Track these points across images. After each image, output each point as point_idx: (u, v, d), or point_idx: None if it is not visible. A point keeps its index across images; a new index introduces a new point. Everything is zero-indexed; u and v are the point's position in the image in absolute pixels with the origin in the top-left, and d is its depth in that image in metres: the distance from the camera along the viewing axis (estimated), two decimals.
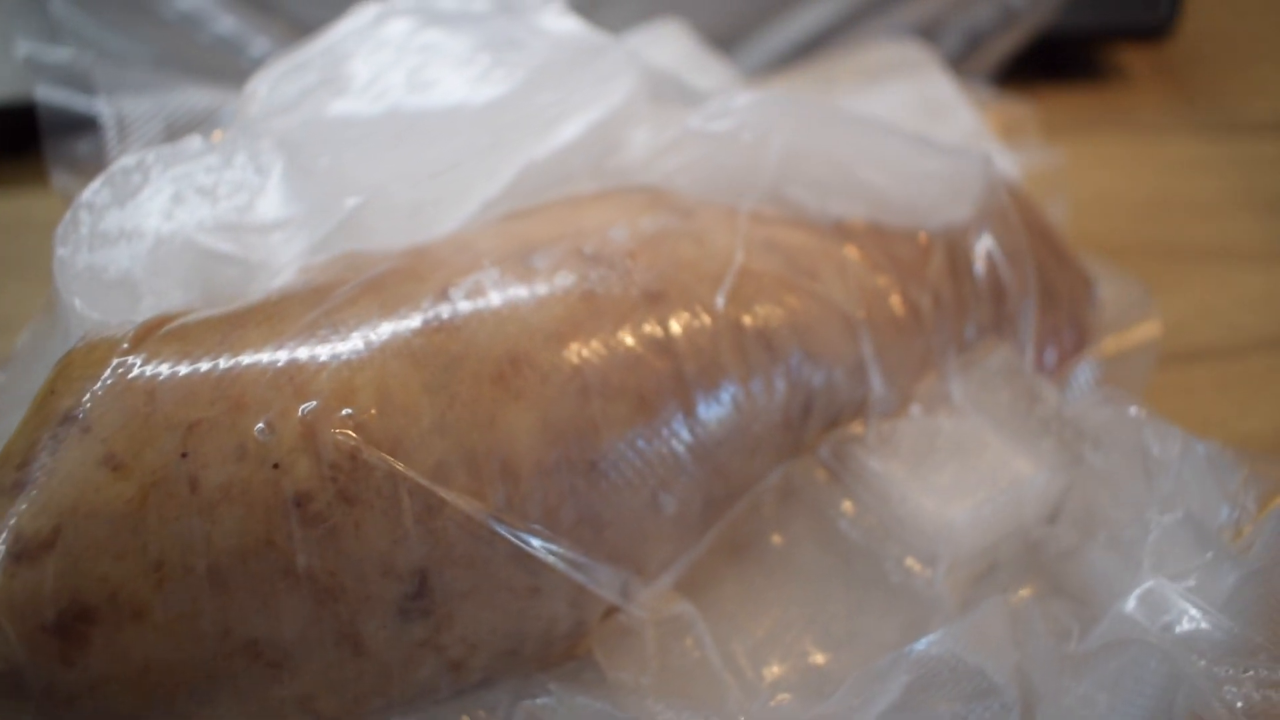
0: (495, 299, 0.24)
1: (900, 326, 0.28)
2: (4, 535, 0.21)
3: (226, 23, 0.44)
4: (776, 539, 0.27)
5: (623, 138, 0.29)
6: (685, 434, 0.25)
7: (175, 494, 0.22)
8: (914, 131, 0.30)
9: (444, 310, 0.24)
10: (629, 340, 0.25)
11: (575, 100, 0.29)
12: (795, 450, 0.27)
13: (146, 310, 0.27)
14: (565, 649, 0.26)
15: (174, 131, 0.39)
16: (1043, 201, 0.41)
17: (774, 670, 0.25)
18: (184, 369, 0.23)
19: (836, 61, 0.45)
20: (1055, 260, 0.35)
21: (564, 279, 0.25)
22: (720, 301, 0.25)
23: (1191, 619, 0.26)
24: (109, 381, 0.23)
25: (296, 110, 0.31)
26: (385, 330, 0.24)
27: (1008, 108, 0.45)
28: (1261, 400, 0.42)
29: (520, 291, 0.25)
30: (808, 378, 0.26)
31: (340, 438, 0.22)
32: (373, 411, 0.23)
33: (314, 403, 0.23)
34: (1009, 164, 0.41)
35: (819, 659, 0.26)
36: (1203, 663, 0.25)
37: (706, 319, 0.25)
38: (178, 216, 0.28)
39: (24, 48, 0.41)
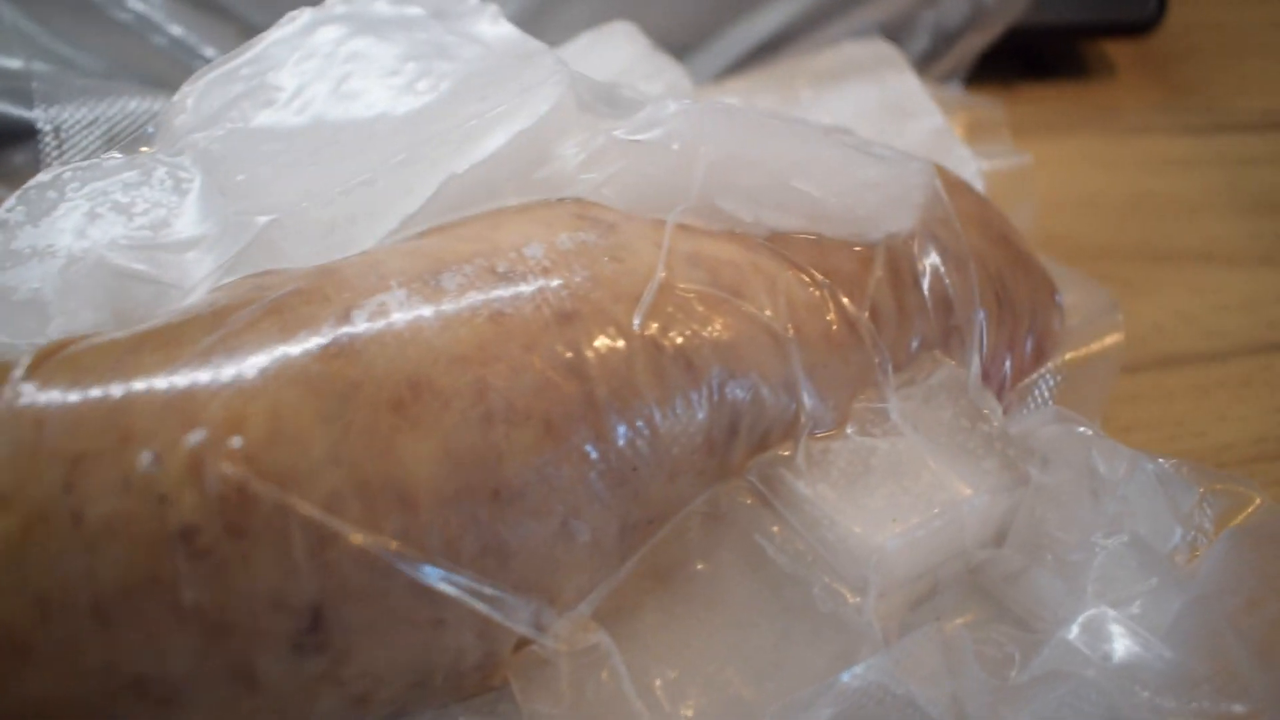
0: (399, 322, 0.24)
1: (835, 342, 0.27)
2: None
3: (175, 30, 0.43)
4: (700, 566, 0.26)
5: (550, 149, 0.28)
6: (597, 460, 0.24)
7: (58, 528, 0.21)
8: (856, 139, 0.29)
9: (344, 334, 0.23)
10: (537, 363, 0.24)
11: (499, 111, 0.28)
12: (722, 473, 0.26)
13: (56, 332, 0.26)
14: (479, 680, 0.25)
15: (115, 141, 0.38)
16: (1009, 204, 0.40)
17: (693, 703, 0.24)
18: (75, 397, 0.23)
19: (800, 62, 0.43)
20: (1015, 267, 0.34)
21: (472, 300, 0.24)
22: (637, 321, 0.25)
23: (1133, 648, 0.24)
24: None
25: (221, 123, 0.30)
26: (282, 355, 0.23)
27: (976, 108, 0.44)
28: (1240, 408, 0.40)
29: (425, 313, 0.24)
30: (732, 398, 0.25)
31: (228, 469, 0.22)
32: (264, 441, 0.22)
33: (202, 433, 0.22)
34: (973, 167, 0.40)
35: (742, 691, 0.25)
36: (1145, 694, 0.24)
37: (621, 339, 0.24)
38: (91, 235, 0.28)
39: None
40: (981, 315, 0.32)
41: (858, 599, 0.25)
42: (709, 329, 0.25)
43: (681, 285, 0.25)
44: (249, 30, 0.44)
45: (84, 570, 0.21)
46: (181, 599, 0.21)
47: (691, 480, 0.25)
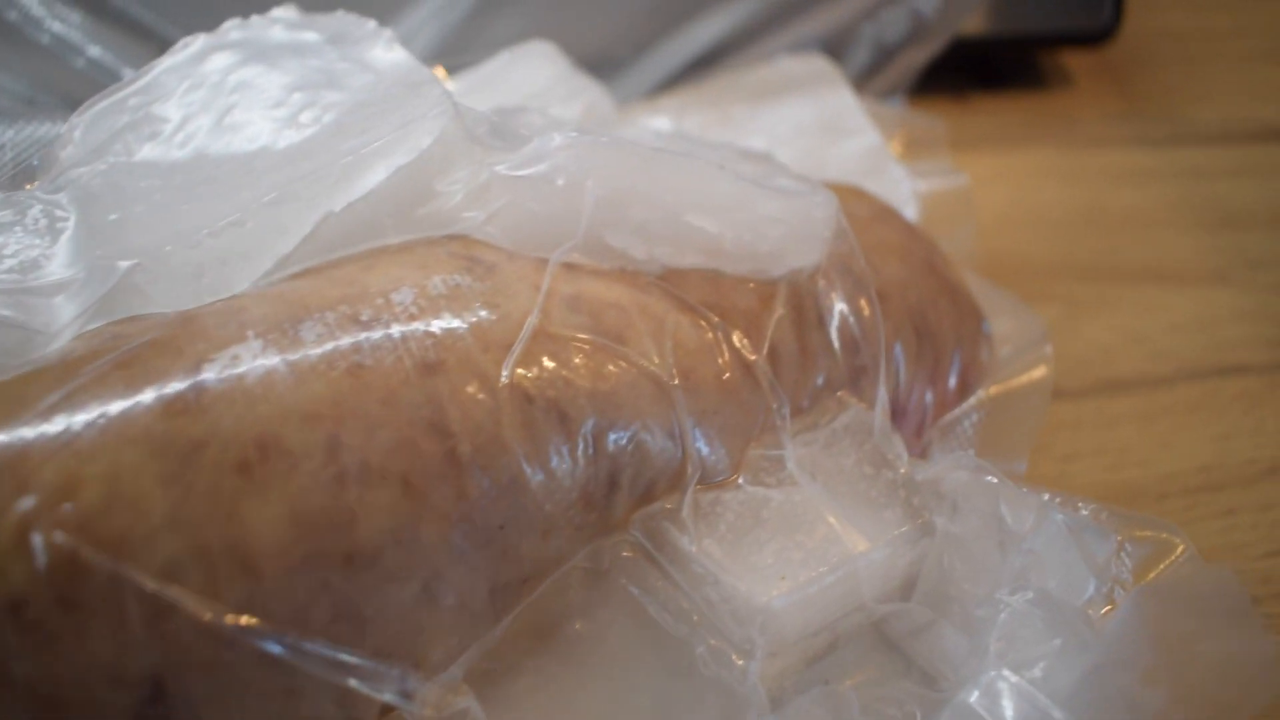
0: (251, 376, 0.22)
1: (727, 387, 0.26)
2: None
3: (94, 51, 0.42)
4: (580, 625, 0.24)
5: (433, 185, 0.27)
6: (460, 520, 0.23)
7: None
8: (760, 168, 0.28)
9: (192, 390, 0.22)
10: (395, 419, 0.22)
11: (376, 146, 0.26)
12: (603, 527, 0.25)
13: None
14: None
15: (22, 170, 0.37)
16: (945, 226, 0.39)
17: None
18: None
19: (734, 78, 0.42)
20: (939, 297, 0.33)
21: (330, 351, 0.23)
22: (505, 372, 0.23)
23: (1031, 716, 0.23)
24: None
25: (105, 156, 0.29)
26: (126, 413, 0.22)
27: (916, 125, 0.42)
28: (1185, 436, 0.39)
29: (280, 367, 0.23)
30: (611, 450, 0.24)
31: (59, 538, 0.20)
32: (98, 507, 0.21)
33: (33, 499, 0.21)
34: (907, 188, 0.39)
35: None
36: None
37: (486, 392, 0.23)
38: None
39: None
40: (898, 350, 0.30)
41: (743, 662, 0.24)
42: (586, 378, 0.24)
43: (559, 331, 0.24)
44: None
45: None
46: (11, 673, 0.20)
47: (569, 536, 0.24)
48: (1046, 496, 0.29)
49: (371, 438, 0.22)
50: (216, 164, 0.28)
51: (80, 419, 0.22)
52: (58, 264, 0.27)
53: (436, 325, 0.24)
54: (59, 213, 0.28)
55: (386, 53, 0.30)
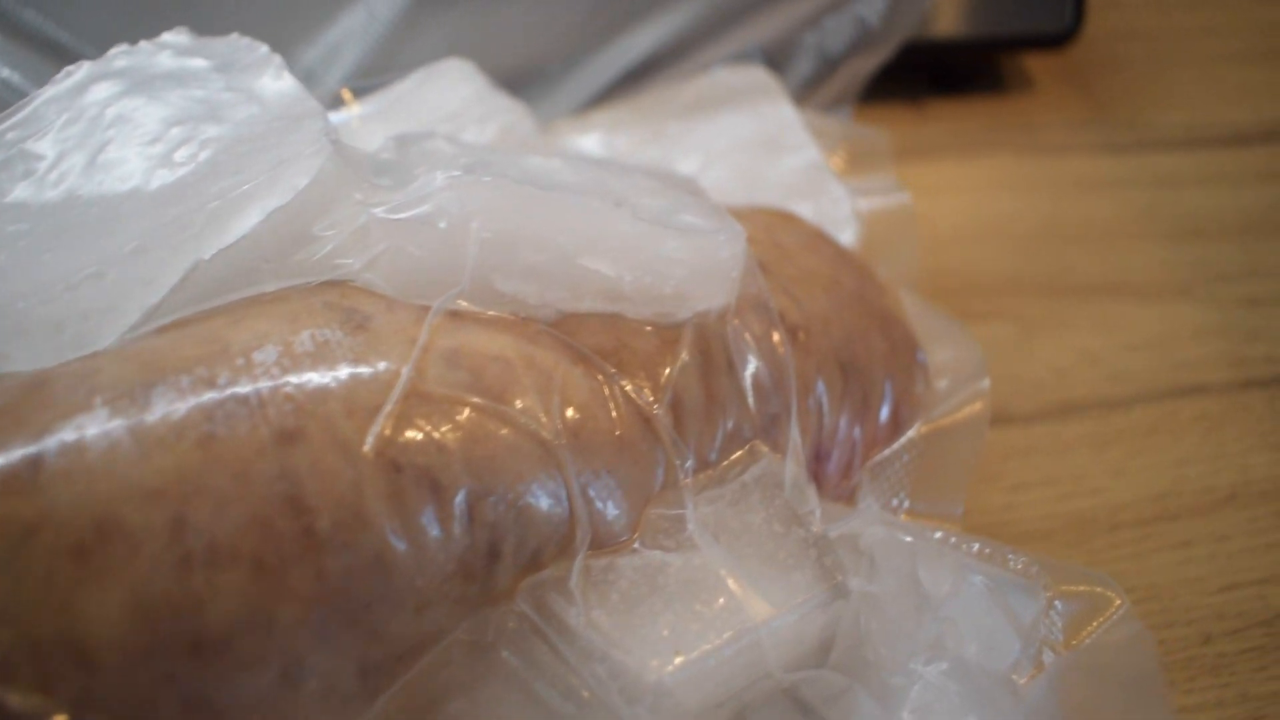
0: (94, 450, 0.21)
1: (622, 443, 0.24)
2: None
3: (4, 73, 0.40)
4: (460, 703, 0.23)
5: (311, 228, 0.25)
6: (319, 601, 0.21)
7: None
8: (661, 205, 0.26)
9: (29, 467, 0.21)
10: (248, 495, 0.21)
11: (247, 189, 0.25)
12: (486, 598, 0.23)
13: None
14: None
15: None
16: (886, 246, 0.37)
17: None
18: None
19: (670, 91, 0.40)
20: (870, 328, 0.31)
21: (181, 420, 0.21)
22: (370, 439, 0.22)
23: None
24: None
25: None
26: None
27: (860, 139, 0.40)
28: (1141, 462, 0.37)
29: (125, 439, 0.21)
30: (491, 519, 0.22)
31: None
32: None
33: None
34: (847, 207, 0.37)
35: None
36: None
37: (350, 462, 0.21)
38: None
39: None
40: (820, 388, 0.29)
41: None
42: (462, 442, 0.22)
43: (434, 390, 0.23)
44: None
45: None
46: None
47: (447, 610, 0.23)
48: (977, 547, 0.27)
49: (221, 516, 0.21)
50: (86, 207, 0.26)
51: None
52: None
53: (299, 388, 0.22)
54: None
55: (274, 82, 0.28)
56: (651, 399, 0.25)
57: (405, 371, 0.23)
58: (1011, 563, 0.26)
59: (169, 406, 0.22)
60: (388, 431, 0.22)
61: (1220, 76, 0.52)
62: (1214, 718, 0.29)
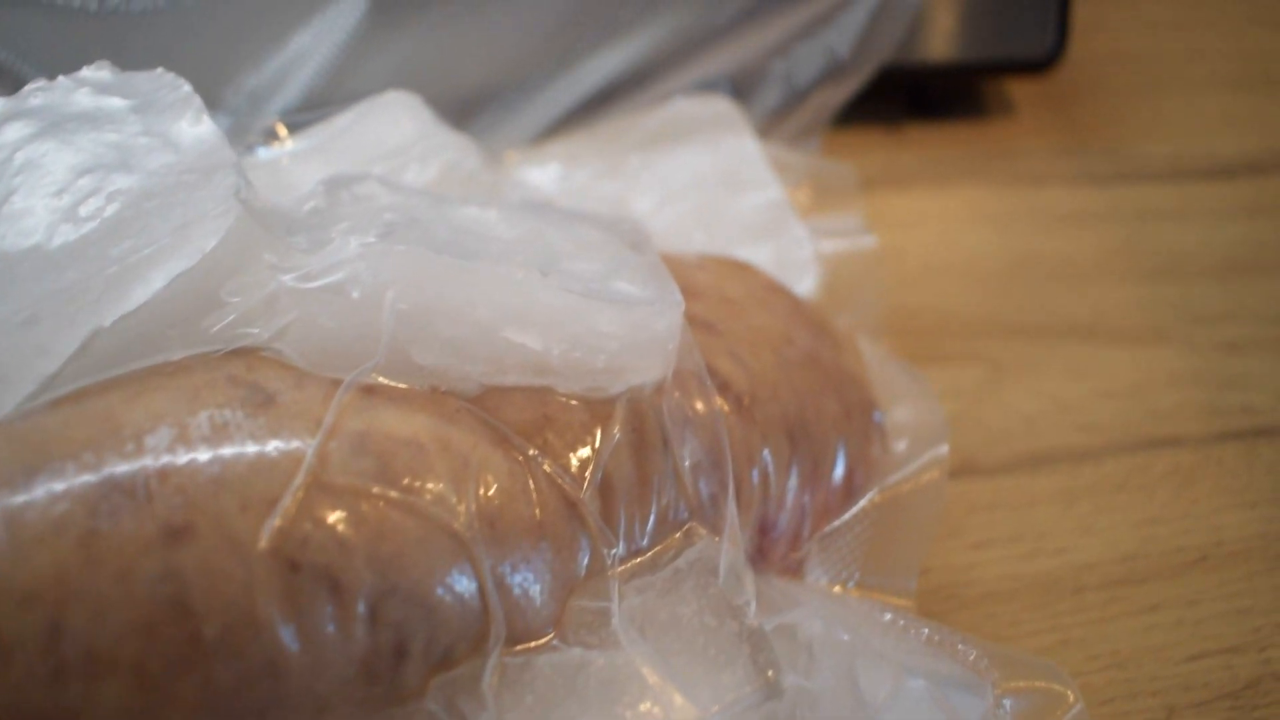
0: None
1: (544, 531, 0.23)
2: None
3: None
4: None
5: (219, 293, 0.24)
6: (206, 711, 0.20)
7: None
8: (594, 269, 0.25)
9: None
10: (130, 598, 0.19)
11: (153, 251, 0.23)
12: (393, 699, 0.22)
13: None
14: None
15: None
16: (849, 293, 0.36)
17: None
18: None
19: (630, 121, 0.39)
20: (824, 390, 0.30)
21: (63, 515, 0.20)
22: (266, 536, 0.20)
23: None
24: None
25: None
26: None
27: (827, 175, 0.39)
28: (1109, 519, 0.36)
29: (2, 535, 0.20)
30: (396, 618, 0.21)
31: None
32: None
33: None
34: (809, 250, 0.36)
35: None
36: None
37: (242, 561, 0.20)
38: None
39: None
40: (766, 458, 0.27)
41: None
42: (366, 537, 0.21)
43: (338, 480, 0.21)
44: None
45: None
46: None
47: (349, 713, 0.21)
48: (926, 632, 0.26)
49: (100, 621, 0.19)
50: None
51: None
52: None
53: (191, 478, 0.21)
54: None
55: (192, 127, 0.27)
56: (578, 481, 0.23)
57: (306, 460, 0.21)
58: (961, 652, 0.25)
59: (51, 498, 0.20)
60: (284, 527, 0.21)
61: (1206, 104, 0.50)
62: None
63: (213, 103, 0.39)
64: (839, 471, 0.29)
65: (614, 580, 0.23)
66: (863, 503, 0.29)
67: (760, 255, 0.35)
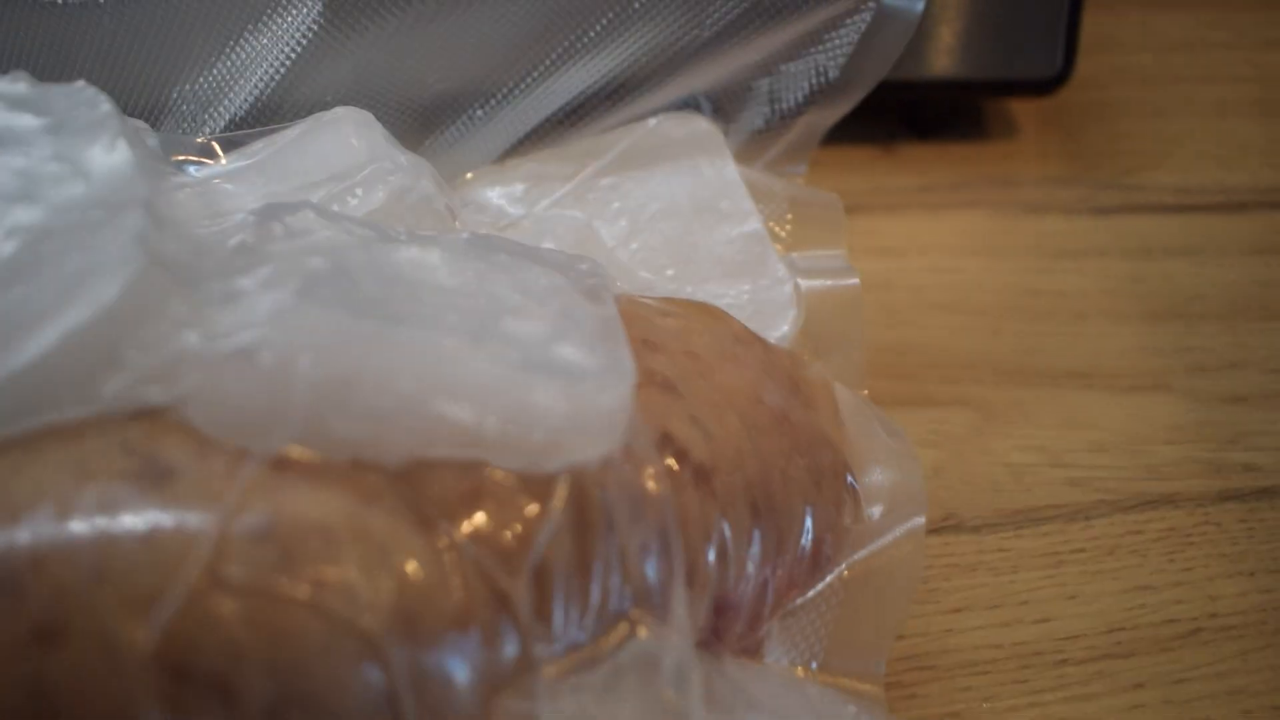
0: None
1: (467, 625, 0.21)
2: None
3: None
4: None
5: (120, 350, 0.21)
6: None
7: None
8: (538, 330, 0.23)
9: None
10: None
11: (53, 299, 0.21)
12: None
13: None
14: None
15: None
16: (831, 333, 0.34)
17: None
18: None
19: (603, 141, 0.36)
20: (795, 454, 0.27)
21: None
22: (148, 638, 0.18)
23: None
24: None
25: None
26: None
27: (812, 203, 0.36)
28: (1097, 586, 0.34)
29: None
30: None
31: None
32: None
33: None
34: (788, 289, 0.33)
35: None
36: None
37: (120, 669, 0.18)
38: None
39: None
40: (726, 532, 0.25)
41: None
42: (263, 640, 0.19)
43: (234, 575, 0.19)
44: None
45: None
46: None
47: None
48: None
49: None
50: None
51: None
52: None
53: (69, 569, 0.18)
54: None
55: (106, 154, 0.24)
56: (510, 568, 0.21)
57: (200, 551, 0.19)
58: None
59: None
60: (171, 628, 0.18)
61: (1217, 132, 0.48)
62: None
63: (158, 107, 0.37)
64: (806, 542, 0.27)
65: (546, 679, 0.21)
66: (830, 578, 0.27)
67: (736, 295, 0.33)
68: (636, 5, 0.35)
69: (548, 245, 0.34)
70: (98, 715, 0.18)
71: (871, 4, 0.36)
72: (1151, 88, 0.50)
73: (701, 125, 0.36)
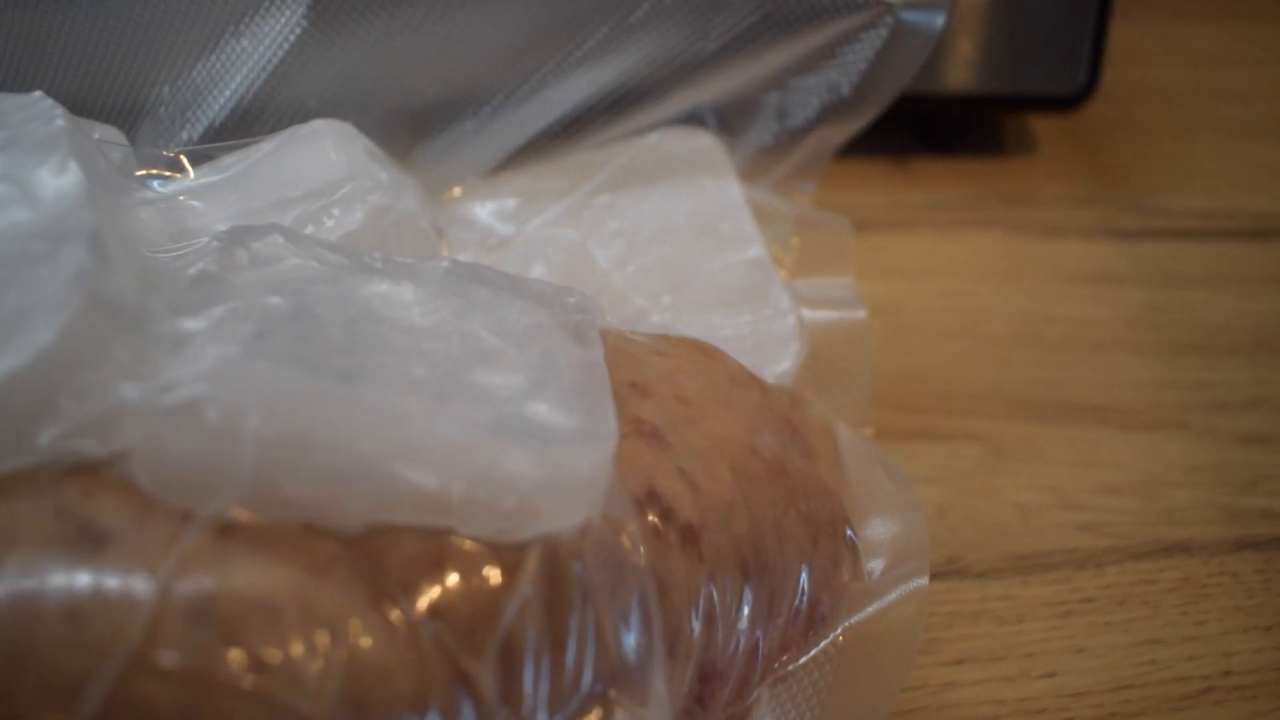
0: None
1: (425, 710, 0.19)
2: None
3: None
4: None
5: (57, 399, 0.20)
6: None
7: None
8: (509, 388, 0.21)
9: None
10: None
11: None
12: None
13: None
14: None
15: None
16: (836, 369, 0.32)
17: None
18: None
19: (601, 155, 0.35)
20: (790, 508, 0.26)
21: None
22: None
23: None
24: None
25: None
26: None
27: (820, 228, 0.35)
28: (1106, 640, 0.32)
29: None
30: None
31: None
32: None
33: None
34: (791, 321, 0.31)
35: None
36: None
37: None
38: None
39: None
40: (713, 594, 0.24)
41: None
42: None
43: (166, 659, 0.17)
44: None
45: None
46: None
47: None
48: None
49: None
50: None
51: None
52: None
53: None
54: None
55: (55, 176, 0.23)
56: (474, 647, 0.20)
57: (133, 631, 0.17)
58: None
59: None
60: (99, 714, 0.17)
61: (1243, 153, 0.46)
62: None
63: (136, 109, 0.35)
64: (801, 601, 0.26)
65: None
66: (824, 643, 0.25)
67: (736, 326, 0.31)
68: (639, 14, 0.33)
69: (538, 268, 0.32)
70: None
71: (889, 18, 0.34)
72: (1176, 104, 0.48)
73: (705, 141, 0.34)
